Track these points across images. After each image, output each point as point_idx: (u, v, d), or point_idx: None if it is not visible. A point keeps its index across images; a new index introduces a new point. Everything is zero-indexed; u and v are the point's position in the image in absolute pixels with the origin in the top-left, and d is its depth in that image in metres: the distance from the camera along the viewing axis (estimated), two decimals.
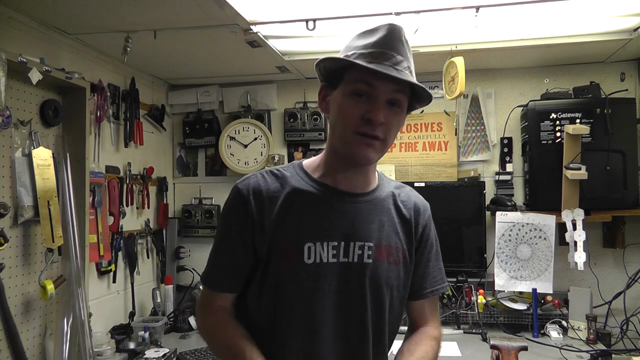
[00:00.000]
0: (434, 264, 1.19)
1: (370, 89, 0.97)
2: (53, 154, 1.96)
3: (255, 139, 2.90)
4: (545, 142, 2.43)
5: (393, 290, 1.09)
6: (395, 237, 1.10)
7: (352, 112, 0.98)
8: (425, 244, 1.16)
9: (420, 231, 1.15)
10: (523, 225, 2.44)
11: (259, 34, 2.07)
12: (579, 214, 2.28)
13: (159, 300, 2.60)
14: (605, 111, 2.36)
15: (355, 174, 1.08)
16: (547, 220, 2.40)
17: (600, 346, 2.19)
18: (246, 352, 1.00)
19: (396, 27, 1.00)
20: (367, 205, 1.09)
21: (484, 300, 2.45)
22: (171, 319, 2.58)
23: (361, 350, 1.06)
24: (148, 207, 2.74)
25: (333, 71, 1.03)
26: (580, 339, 2.25)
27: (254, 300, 1.07)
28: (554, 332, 2.31)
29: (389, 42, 0.98)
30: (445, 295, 2.48)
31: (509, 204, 2.53)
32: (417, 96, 1.05)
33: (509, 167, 2.68)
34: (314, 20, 1.97)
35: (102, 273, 2.33)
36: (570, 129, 2.31)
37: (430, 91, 1.02)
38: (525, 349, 1.77)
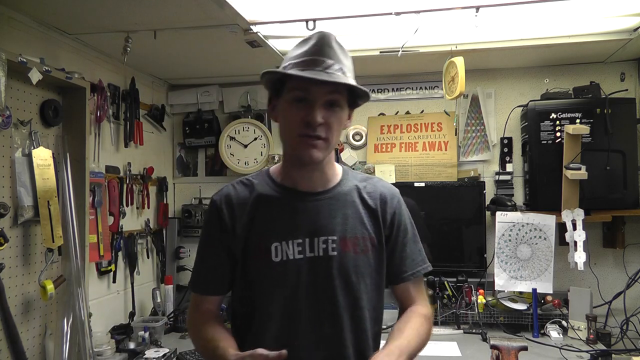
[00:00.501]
0: (412, 246, 1.24)
1: (306, 94, 1.06)
2: (53, 154, 1.96)
3: (255, 139, 2.90)
4: (545, 142, 2.43)
5: (365, 278, 1.15)
6: (361, 227, 1.16)
7: (294, 117, 1.08)
8: (398, 230, 1.21)
9: (390, 218, 1.20)
10: (523, 225, 2.44)
11: (259, 34, 2.08)
12: (579, 214, 2.28)
13: (159, 300, 2.60)
14: (605, 111, 2.36)
15: (311, 173, 1.16)
16: (547, 220, 2.40)
17: (600, 346, 2.19)
18: (220, 343, 1.08)
19: (325, 34, 1.09)
20: (328, 201, 1.17)
21: (484, 300, 2.45)
22: (171, 319, 2.58)
23: (336, 336, 1.12)
24: (148, 207, 2.74)
25: (275, 82, 1.13)
26: (580, 339, 2.25)
27: (236, 296, 1.20)
28: (554, 332, 2.30)
29: (319, 49, 1.07)
30: (445, 295, 2.48)
31: (509, 204, 2.53)
32: (356, 94, 1.13)
33: (509, 167, 2.68)
34: (314, 20, 1.97)
35: (102, 273, 2.33)
36: (570, 129, 2.31)
37: (365, 91, 1.10)
38: (525, 349, 1.77)
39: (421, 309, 1.22)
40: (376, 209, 1.19)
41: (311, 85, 1.05)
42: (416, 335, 1.13)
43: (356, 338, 1.14)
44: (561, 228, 2.39)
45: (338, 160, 2.83)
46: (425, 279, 2.49)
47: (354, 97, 1.14)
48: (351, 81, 1.08)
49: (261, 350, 0.97)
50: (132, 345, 2.19)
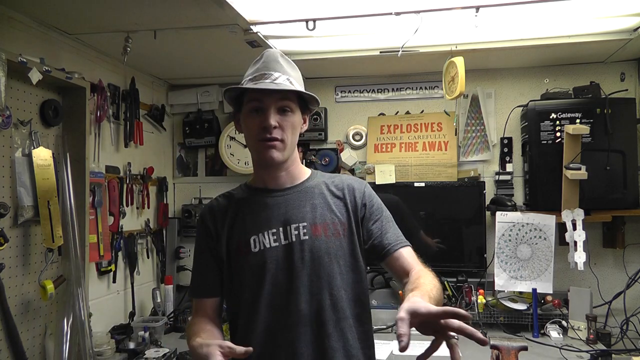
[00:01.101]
0: (391, 225, 1.31)
1: (260, 103, 1.22)
2: (53, 154, 1.96)
3: None
4: (545, 142, 2.43)
5: (339, 260, 1.24)
6: (330, 214, 1.27)
7: (253, 125, 1.23)
8: (371, 212, 1.29)
9: (360, 203, 1.29)
10: (523, 225, 2.44)
11: (259, 34, 2.08)
12: (579, 214, 2.28)
13: (159, 300, 2.60)
14: (605, 111, 2.36)
15: (278, 173, 1.29)
16: (547, 220, 2.40)
17: (600, 346, 2.19)
18: (198, 335, 1.16)
19: (272, 52, 1.28)
20: (296, 194, 1.29)
21: (484, 300, 2.45)
22: (171, 319, 2.59)
23: (317, 316, 1.21)
24: (148, 207, 2.74)
25: (236, 98, 1.29)
26: (580, 339, 2.25)
27: (227, 292, 1.30)
28: (554, 332, 2.31)
29: (267, 64, 1.24)
30: (445, 295, 2.48)
31: (509, 204, 2.53)
32: (306, 100, 1.29)
33: (509, 167, 2.68)
34: (314, 20, 1.97)
35: (102, 273, 2.33)
36: (570, 129, 2.31)
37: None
38: (525, 349, 1.77)
39: (422, 269, 1.22)
40: (344, 197, 1.29)
41: (263, 95, 1.21)
42: (433, 286, 1.12)
43: (336, 317, 1.22)
44: (561, 228, 2.39)
45: (338, 160, 2.84)
46: None
47: (305, 103, 1.29)
48: (297, 87, 1.23)
49: (228, 343, 1.06)
50: (132, 345, 2.19)
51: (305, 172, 1.35)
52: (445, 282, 2.50)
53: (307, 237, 1.23)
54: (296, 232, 1.24)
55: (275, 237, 1.24)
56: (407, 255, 1.27)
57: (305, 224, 1.24)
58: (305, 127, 1.33)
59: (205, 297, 1.31)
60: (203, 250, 1.32)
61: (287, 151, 1.25)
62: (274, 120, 1.20)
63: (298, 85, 1.26)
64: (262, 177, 1.31)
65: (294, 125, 1.25)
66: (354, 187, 1.32)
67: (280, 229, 1.24)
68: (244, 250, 1.25)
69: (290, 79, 1.24)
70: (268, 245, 1.24)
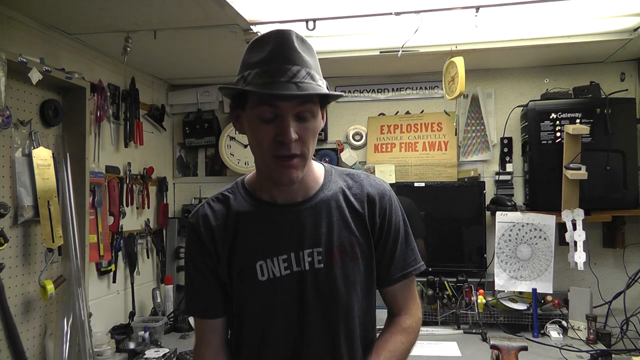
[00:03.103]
0: (403, 247, 1.16)
1: (274, 109, 0.95)
2: (53, 154, 1.96)
3: None
4: (545, 142, 2.43)
5: (356, 286, 1.10)
6: (348, 234, 1.09)
7: (264, 137, 0.97)
8: (388, 232, 1.13)
9: (379, 221, 1.12)
10: (523, 225, 2.44)
11: (259, 34, 2.08)
12: (579, 214, 2.28)
13: (159, 300, 2.60)
14: (605, 111, 2.36)
15: (289, 187, 1.06)
16: (547, 220, 2.40)
17: (600, 346, 2.19)
18: None
19: (284, 34, 0.96)
20: (310, 211, 1.08)
21: (484, 300, 2.45)
22: (171, 319, 2.58)
23: (332, 347, 1.08)
24: (148, 207, 2.74)
25: (237, 94, 1.02)
26: (580, 339, 2.25)
27: (230, 318, 1.14)
28: (554, 332, 2.30)
29: (281, 54, 0.95)
30: (445, 295, 2.48)
31: (509, 204, 2.53)
32: (328, 95, 1.02)
33: (509, 167, 2.68)
34: (314, 20, 1.97)
35: (102, 273, 2.33)
36: (570, 129, 2.31)
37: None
38: (525, 349, 1.77)
39: (405, 321, 1.16)
40: (363, 213, 1.11)
41: (277, 100, 0.94)
42: (393, 357, 1.10)
43: (349, 346, 1.11)
44: (561, 228, 2.39)
45: (338, 160, 2.84)
46: (425, 279, 2.50)
47: (325, 98, 1.04)
48: (323, 88, 0.99)
49: None
50: (132, 345, 2.19)
51: (319, 176, 1.13)
52: (445, 282, 2.50)
53: (322, 265, 1.06)
54: (309, 259, 1.06)
55: (286, 265, 1.06)
56: (403, 292, 1.17)
57: (320, 249, 1.06)
58: (323, 124, 1.06)
59: (210, 318, 1.13)
60: (201, 268, 1.12)
61: (305, 166, 1.03)
62: (293, 132, 0.95)
63: (320, 79, 1.00)
64: (269, 189, 1.10)
65: (315, 131, 1.01)
66: (375, 201, 1.12)
67: (292, 254, 1.06)
68: (249, 277, 1.07)
69: (311, 73, 0.97)
70: (278, 274, 1.06)
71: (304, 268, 1.07)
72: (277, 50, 0.95)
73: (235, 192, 1.14)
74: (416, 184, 2.67)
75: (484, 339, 2.27)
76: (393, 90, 2.87)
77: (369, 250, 1.12)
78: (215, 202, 1.13)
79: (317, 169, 1.15)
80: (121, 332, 2.30)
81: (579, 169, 2.26)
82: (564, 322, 2.35)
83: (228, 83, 1.00)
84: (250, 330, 1.10)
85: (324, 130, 2.85)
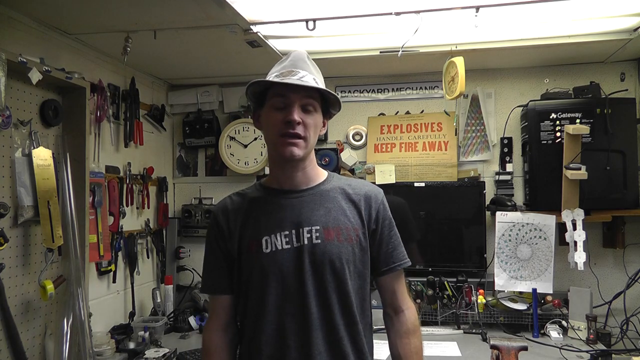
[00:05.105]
0: (396, 241, 1.34)
1: (284, 99, 1.21)
2: (53, 154, 1.96)
3: (255, 139, 2.90)
4: (545, 142, 2.43)
5: (349, 265, 1.25)
6: (344, 219, 1.27)
7: (275, 120, 1.22)
8: (383, 224, 1.32)
9: (375, 214, 1.31)
10: (523, 225, 2.44)
11: (259, 34, 2.08)
12: (579, 214, 2.28)
13: (159, 300, 2.60)
14: (605, 111, 2.36)
15: (294, 173, 1.28)
16: (547, 220, 2.40)
17: (600, 346, 2.19)
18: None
19: (299, 52, 1.30)
20: (311, 196, 1.29)
21: (484, 300, 2.45)
22: (171, 319, 2.59)
23: (327, 318, 1.22)
24: (148, 207, 2.74)
25: (259, 94, 1.28)
26: (580, 339, 2.25)
27: (236, 289, 1.32)
28: (554, 332, 2.31)
29: (294, 63, 1.26)
30: (445, 295, 2.48)
31: (509, 204, 2.53)
32: (329, 102, 1.29)
33: (509, 167, 2.68)
34: (314, 20, 1.97)
35: (102, 273, 2.33)
36: (570, 129, 2.31)
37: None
38: (525, 349, 1.77)
39: (409, 318, 1.32)
40: (359, 204, 1.30)
41: (288, 91, 1.21)
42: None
43: (345, 321, 1.23)
44: (561, 228, 2.39)
45: (338, 160, 2.84)
46: (425, 279, 2.50)
47: (327, 106, 1.29)
48: (322, 87, 1.24)
49: None
50: (132, 345, 2.19)
51: (321, 175, 1.34)
52: (445, 282, 2.50)
53: (319, 241, 1.23)
54: (308, 235, 1.23)
55: (287, 240, 1.24)
56: (397, 282, 1.34)
57: (318, 227, 1.24)
58: (324, 131, 1.34)
59: (219, 293, 1.32)
60: (214, 249, 1.32)
61: (307, 150, 1.24)
62: (297, 116, 1.20)
63: (322, 86, 1.26)
64: (277, 177, 1.31)
65: (316, 124, 1.25)
66: (371, 197, 1.31)
67: (293, 231, 1.24)
68: (256, 250, 1.24)
69: (315, 79, 1.24)
70: (280, 247, 1.23)
71: (303, 243, 1.23)
72: (292, 61, 1.27)
73: (252, 188, 1.38)
74: (416, 184, 2.67)
75: (484, 339, 2.27)
76: (393, 90, 2.87)
77: (363, 238, 1.28)
78: (235, 195, 1.37)
79: (321, 170, 1.36)
80: (121, 332, 2.30)
81: (579, 169, 2.26)
82: (564, 322, 2.35)
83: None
84: (252, 303, 1.25)
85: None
